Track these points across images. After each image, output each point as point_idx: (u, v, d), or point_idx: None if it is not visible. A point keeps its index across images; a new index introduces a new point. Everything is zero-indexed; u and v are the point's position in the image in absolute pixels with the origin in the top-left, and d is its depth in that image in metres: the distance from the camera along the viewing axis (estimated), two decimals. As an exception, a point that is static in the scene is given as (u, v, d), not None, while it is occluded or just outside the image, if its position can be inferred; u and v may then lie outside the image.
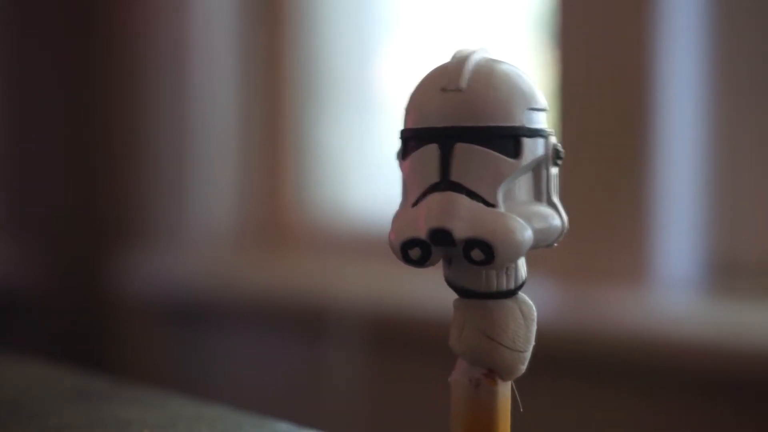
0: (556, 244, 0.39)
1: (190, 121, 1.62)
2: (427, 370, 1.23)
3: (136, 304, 1.64)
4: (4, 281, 1.71)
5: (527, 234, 0.36)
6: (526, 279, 0.38)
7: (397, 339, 1.27)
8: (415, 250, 0.37)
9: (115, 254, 1.68)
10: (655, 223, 1.07)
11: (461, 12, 1.42)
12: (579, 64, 1.13)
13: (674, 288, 1.08)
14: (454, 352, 0.38)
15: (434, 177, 0.37)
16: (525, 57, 1.31)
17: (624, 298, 1.07)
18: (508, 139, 0.37)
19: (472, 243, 0.36)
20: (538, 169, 0.38)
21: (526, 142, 0.37)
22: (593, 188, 1.08)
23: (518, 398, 0.39)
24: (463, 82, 0.37)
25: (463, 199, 0.36)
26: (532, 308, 0.38)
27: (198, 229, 1.62)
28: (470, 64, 0.37)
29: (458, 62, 0.37)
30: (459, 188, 0.36)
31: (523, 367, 0.38)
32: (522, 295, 0.39)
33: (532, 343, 0.38)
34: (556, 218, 0.38)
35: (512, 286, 0.38)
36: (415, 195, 0.37)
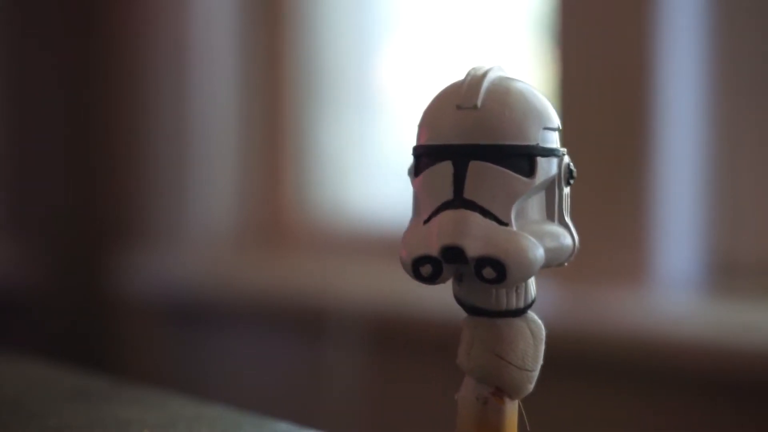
0: (566, 264, 0.39)
1: (190, 121, 1.62)
2: (427, 370, 1.23)
3: (136, 304, 1.64)
4: (4, 281, 1.71)
5: (539, 253, 0.36)
6: (535, 298, 0.38)
7: (397, 339, 1.27)
8: (426, 267, 0.36)
9: (115, 254, 1.68)
10: (655, 223, 1.07)
11: (461, 12, 1.42)
12: (579, 64, 1.13)
13: (674, 288, 1.08)
14: (462, 369, 0.38)
15: (447, 194, 0.36)
16: (525, 57, 1.31)
17: (624, 298, 1.07)
18: (523, 158, 0.37)
19: (484, 261, 0.36)
20: (551, 188, 0.38)
21: (540, 161, 0.37)
22: (593, 188, 1.08)
23: (525, 417, 0.39)
24: (479, 100, 0.37)
25: (476, 217, 0.36)
26: (541, 328, 0.39)
27: (198, 229, 1.62)
28: (486, 82, 0.37)
29: (473, 80, 0.37)
30: (472, 206, 0.36)
31: (531, 386, 0.38)
32: (531, 314, 0.39)
33: (541, 362, 0.39)
34: (568, 237, 0.38)
35: (522, 305, 0.38)
36: (427, 212, 0.37)
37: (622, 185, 1.08)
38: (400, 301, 1.26)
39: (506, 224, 0.36)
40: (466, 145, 0.36)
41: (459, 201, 0.36)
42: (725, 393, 0.98)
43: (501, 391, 0.38)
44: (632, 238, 1.08)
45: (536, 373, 0.38)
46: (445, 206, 0.36)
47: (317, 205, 1.55)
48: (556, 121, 0.38)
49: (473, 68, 0.38)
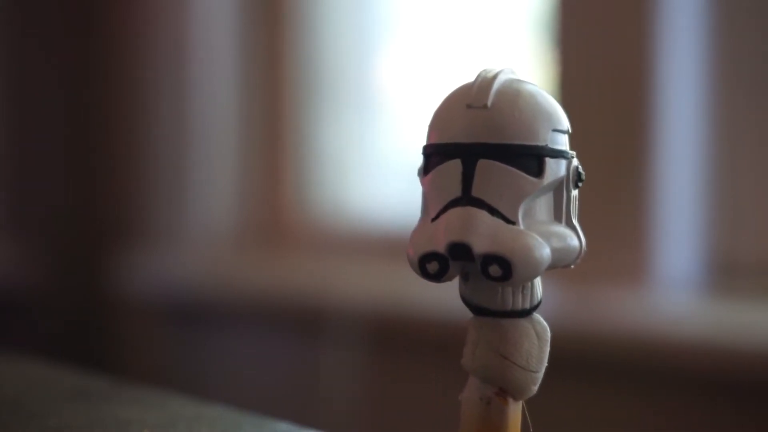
0: (573, 266, 0.39)
1: (190, 121, 1.62)
2: (427, 370, 1.23)
3: (136, 304, 1.64)
4: (4, 281, 1.71)
5: (546, 252, 0.36)
6: (541, 299, 0.39)
7: (397, 339, 1.27)
8: (433, 264, 0.37)
9: (115, 254, 1.68)
10: (655, 223, 1.07)
11: (461, 12, 1.42)
12: (579, 64, 1.13)
13: (674, 288, 1.08)
14: (466, 369, 0.38)
15: (456, 192, 0.37)
16: (525, 57, 1.31)
17: (624, 298, 1.07)
18: (532, 158, 0.37)
19: (490, 258, 0.36)
20: (559, 190, 0.38)
21: (549, 162, 0.37)
22: (593, 188, 1.08)
23: (528, 419, 0.39)
24: (489, 100, 0.37)
25: (484, 215, 0.36)
26: (546, 329, 0.39)
27: (198, 229, 1.62)
28: (496, 83, 0.37)
29: (484, 80, 0.37)
30: (480, 204, 0.36)
31: (535, 388, 0.38)
32: (537, 315, 0.39)
33: (545, 363, 0.39)
34: (575, 239, 0.38)
35: (528, 305, 0.38)
36: (435, 210, 0.37)
37: (622, 185, 1.08)
38: (400, 301, 1.26)
39: (513, 223, 0.36)
40: (476, 143, 0.37)
41: (467, 199, 0.36)
42: (725, 393, 0.98)
43: (505, 391, 0.38)
44: (632, 238, 1.08)
45: (540, 375, 0.38)
46: (453, 204, 0.37)
47: (317, 205, 1.55)
48: (565, 123, 0.38)
49: (484, 69, 0.38)
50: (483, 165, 0.36)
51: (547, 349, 0.39)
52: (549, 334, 0.39)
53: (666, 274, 1.08)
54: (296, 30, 1.57)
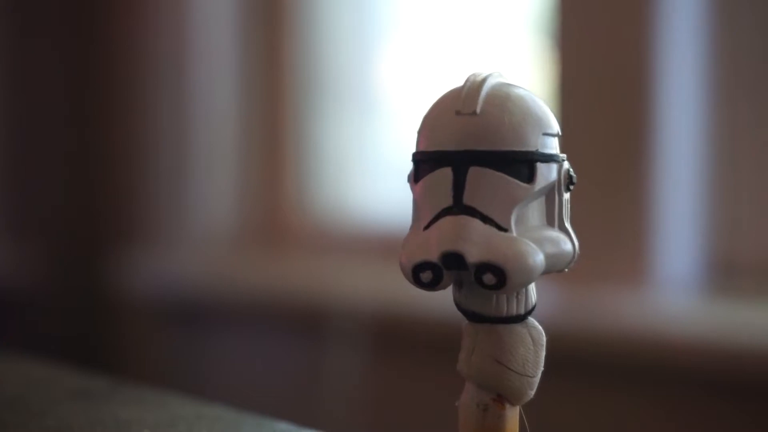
0: (567, 270, 0.39)
1: (190, 122, 1.62)
2: (427, 370, 1.23)
3: (136, 304, 1.64)
4: (4, 281, 1.71)
5: (539, 258, 0.36)
6: (536, 304, 0.38)
7: (397, 339, 1.27)
8: (426, 273, 0.36)
9: (115, 254, 1.68)
10: (655, 223, 1.07)
11: (461, 12, 1.42)
12: (579, 64, 1.13)
13: (674, 288, 1.08)
14: (462, 375, 0.38)
15: (447, 200, 0.36)
16: (524, 58, 1.31)
17: (624, 299, 1.07)
18: (522, 164, 0.37)
19: (484, 267, 0.36)
20: (550, 194, 0.38)
21: (540, 167, 0.37)
22: (593, 189, 1.08)
23: (526, 423, 0.39)
24: (478, 106, 0.37)
25: (476, 223, 0.36)
26: (541, 334, 0.39)
27: (198, 229, 1.62)
28: (485, 88, 0.37)
29: (473, 86, 0.37)
30: (472, 212, 0.36)
31: (532, 393, 0.38)
32: (532, 320, 0.39)
33: (541, 368, 0.39)
34: (568, 243, 0.38)
35: (522, 311, 0.38)
36: (427, 218, 0.37)
37: (622, 186, 1.08)
38: (399, 302, 1.26)
39: (506, 230, 0.36)
40: (466, 151, 0.36)
41: (459, 207, 0.36)
42: (725, 393, 0.98)
43: (502, 397, 0.38)
44: (632, 238, 1.08)
45: (537, 380, 0.38)
46: (445, 212, 0.36)
47: (317, 205, 1.55)
48: (555, 127, 0.38)
49: (472, 74, 0.38)
50: (474, 172, 0.36)
51: (543, 353, 0.39)
52: (545, 339, 0.39)
53: (666, 274, 1.08)
54: (296, 30, 1.57)
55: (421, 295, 1.28)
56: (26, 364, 0.65)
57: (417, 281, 0.37)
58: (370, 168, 1.52)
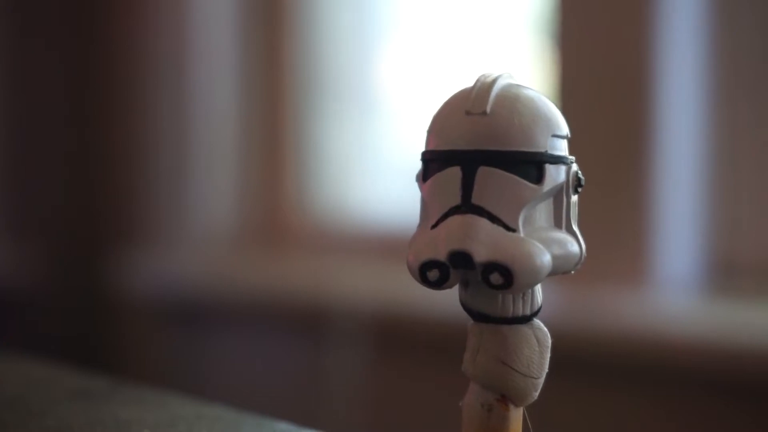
0: (573, 272, 0.39)
1: (190, 122, 1.62)
2: (427, 370, 1.23)
3: (136, 304, 1.64)
4: (4, 281, 1.71)
5: (546, 259, 0.36)
6: (542, 305, 0.38)
7: (397, 339, 1.27)
8: (433, 271, 0.36)
9: (115, 254, 1.68)
10: (655, 223, 1.07)
11: (462, 12, 1.42)
12: (579, 64, 1.13)
13: (674, 288, 1.08)
14: (467, 375, 0.38)
15: (455, 200, 0.36)
16: (525, 57, 1.31)
17: (624, 299, 1.07)
18: (531, 165, 0.37)
19: (491, 267, 0.35)
20: (558, 195, 0.38)
21: (549, 168, 0.37)
22: (593, 189, 1.08)
23: (529, 425, 0.39)
24: (488, 106, 0.37)
25: (484, 223, 0.36)
26: (547, 335, 0.39)
27: (198, 229, 1.62)
28: (495, 89, 0.37)
29: (483, 86, 0.37)
30: (480, 212, 0.36)
31: (536, 394, 0.38)
32: (537, 321, 0.39)
33: (546, 369, 0.39)
34: (575, 245, 0.38)
35: (528, 312, 0.38)
36: (435, 217, 0.37)
37: (622, 186, 1.08)
38: (400, 302, 1.26)
39: (514, 230, 0.36)
40: (475, 150, 0.36)
41: (467, 206, 0.36)
42: (725, 393, 0.98)
43: (506, 398, 0.38)
44: (632, 238, 1.08)
45: (541, 381, 0.38)
46: (453, 211, 0.36)
47: (317, 205, 1.55)
48: (564, 128, 0.38)
49: (482, 75, 0.38)
50: (483, 172, 0.36)
51: (548, 355, 0.39)
52: (550, 340, 0.39)
53: (666, 274, 1.08)
54: (296, 30, 1.57)
55: (422, 296, 1.28)
56: (26, 364, 0.65)
57: (424, 280, 0.37)
58: (370, 168, 1.52)
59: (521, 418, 0.38)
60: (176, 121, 1.63)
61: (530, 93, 0.38)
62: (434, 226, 0.37)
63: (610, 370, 1.05)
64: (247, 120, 1.62)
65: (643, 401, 1.04)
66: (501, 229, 0.36)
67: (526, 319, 0.38)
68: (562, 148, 0.38)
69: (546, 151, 0.37)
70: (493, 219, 0.36)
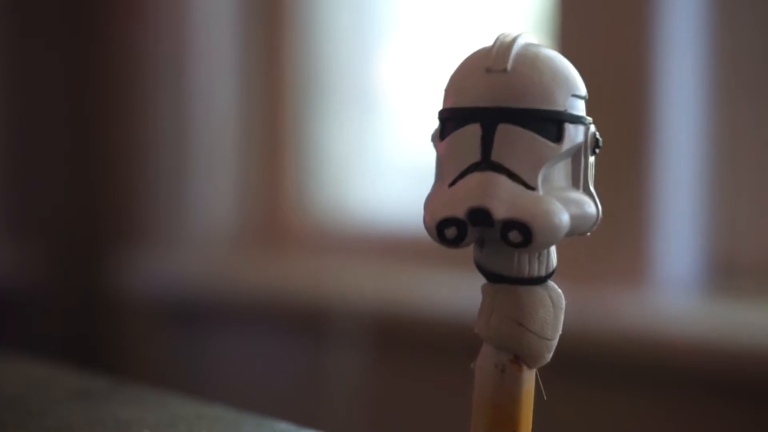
0: (589, 233, 0.38)
1: (190, 122, 1.62)
2: (427, 370, 1.23)
3: (136, 304, 1.64)
4: (4, 281, 1.71)
5: (565, 218, 0.36)
6: (556, 267, 0.38)
7: (397, 339, 1.27)
8: (451, 229, 0.36)
9: (115, 254, 1.68)
10: (655, 223, 1.07)
11: (461, 12, 1.42)
12: (579, 64, 1.12)
13: (674, 288, 1.08)
14: (480, 336, 0.38)
15: (475, 157, 0.36)
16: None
17: (624, 299, 1.07)
18: (551, 123, 0.37)
19: (510, 224, 0.35)
20: (577, 156, 0.38)
21: (569, 127, 0.37)
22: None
23: (542, 387, 0.39)
24: (509, 64, 0.36)
25: (504, 180, 0.36)
26: (561, 296, 0.38)
27: (198, 229, 1.62)
28: (516, 47, 0.37)
29: (503, 44, 0.37)
30: (500, 169, 0.36)
31: (549, 356, 0.38)
32: (551, 282, 0.38)
33: (560, 331, 0.38)
34: (592, 206, 0.38)
35: (543, 273, 0.38)
36: (452, 175, 0.36)
37: (622, 185, 1.08)
38: (400, 301, 1.26)
39: (533, 188, 0.36)
40: (495, 108, 0.36)
41: (486, 164, 0.36)
42: (725, 393, 0.98)
43: (519, 359, 0.38)
44: (632, 238, 1.08)
45: (555, 343, 0.38)
46: (472, 168, 0.36)
47: (317, 205, 1.55)
48: (583, 89, 0.38)
49: (502, 33, 0.38)
50: (503, 129, 0.36)
51: (562, 317, 0.38)
52: (564, 302, 0.38)
53: (666, 274, 1.08)
54: (296, 30, 1.57)
55: (422, 296, 1.28)
56: (26, 364, 0.65)
57: (441, 238, 0.36)
58: (370, 168, 1.52)
59: (533, 381, 0.38)
60: (176, 121, 1.63)
61: (550, 52, 0.38)
62: (452, 184, 0.36)
63: (610, 370, 1.05)
64: (247, 120, 1.62)
65: (643, 401, 1.04)
66: (520, 187, 0.36)
67: (541, 280, 0.38)
68: (581, 109, 0.38)
69: (565, 110, 0.37)
70: (513, 177, 0.36)
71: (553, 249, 0.38)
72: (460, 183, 0.36)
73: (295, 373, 1.43)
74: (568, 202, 0.37)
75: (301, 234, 1.55)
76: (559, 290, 0.38)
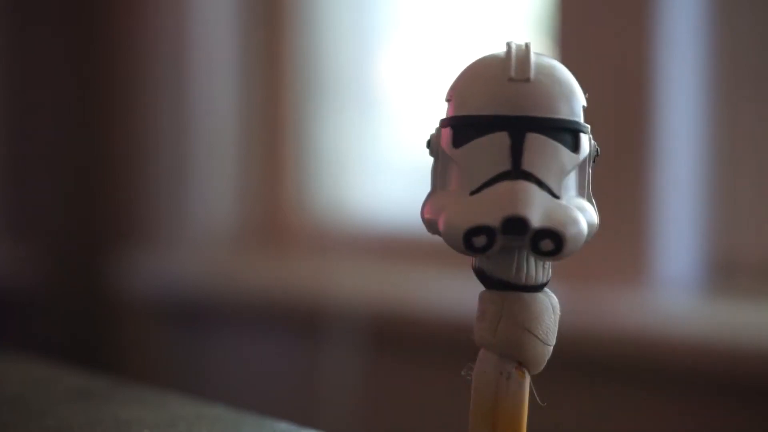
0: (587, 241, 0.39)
1: (190, 121, 1.62)
2: (427, 370, 1.23)
3: (136, 304, 1.64)
4: (4, 281, 1.71)
5: (585, 228, 0.37)
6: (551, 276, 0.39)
7: (397, 339, 1.27)
8: (481, 237, 0.36)
9: (115, 254, 1.68)
10: (655, 223, 1.07)
11: (461, 12, 1.42)
12: (579, 64, 1.12)
13: (674, 288, 1.08)
14: (481, 345, 0.38)
15: (504, 165, 0.36)
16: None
17: (624, 298, 1.07)
18: (570, 133, 0.37)
19: (543, 233, 0.35)
20: (583, 165, 0.39)
21: (583, 137, 0.38)
22: (593, 188, 1.08)
23: (535, 392, 0.39)
24: (531, 73, 0.37)
25: (536, 189, 0.36)
26: (557, 303, 0.39)
27: (198, 229, 1.62)
28: (533, 56, 0.37)
29: (521, 53, 0.37)
30: (529, 178, 0.36)
31: (545, 362, 0.39)
32: (548, 290, 0.39)
33: (524, 342, 0.38)
34: (595, 215, 0.39)
35: (546, 280, 0.38)
36: (476, 182, 0.36)
37: (622, 185, 1.08)
38: (399, 301, 1.26)
39: (558, 197, 0.37)
40: (523, 117, 0.36)
41: (518, 172, 0.36)
42: (725, 393, 0.98)
43: (521, 365, 0.38)
44: (632, 238, 1.08)
45: (551, 349, 0.39)
46: (502, 177, 0.36)
47: (317, 205, 1.55)
48: (585, 99, 0.39)
49: (512, 41, 0.38)
50: (531, 138, 0.36)
51: (525, 323, 0.38)
52: (531, 310, 0.39)
53: (666, 274, 1.08)
54: (296, 30, 1.57)
55: (421, 295, 1.28)
56: (26, 364, 0.65)
57: (468, 246, 0.36)
58: (370, 168, 1.52)
59: (529, 386, 0.39)
60: (176, 121, 1.63)
61: (558, 62, 0.39)
62: (475, 192, 0.36)
63: (609, 370, 1.05)
64: (247, 120, 1.62)
65: (643, 401, 1.03)
66: (549, 196, 0.36)
67: (543, 287, 0.38)
68: (583, 118, 0.39)
69: (580, 120, 0.38)
70: (541, 185, 0.36)
71: None
72: (488, 191, 0.36)
73: (295, 373, 1.43)
74: (583, 211, 0.37)
75: (300, 234, 1.55)
76: (555, 296, 0.39)
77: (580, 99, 0.38)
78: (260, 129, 1.61)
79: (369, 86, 1.54)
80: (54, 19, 1.76)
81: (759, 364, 0.95)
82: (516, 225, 0.35)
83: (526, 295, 0.38)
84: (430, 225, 0.38)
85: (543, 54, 0.39)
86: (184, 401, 0.54)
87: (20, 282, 1.72)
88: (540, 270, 0.38)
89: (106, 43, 1.73)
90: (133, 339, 1.68)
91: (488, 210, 0.36)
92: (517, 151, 0.36)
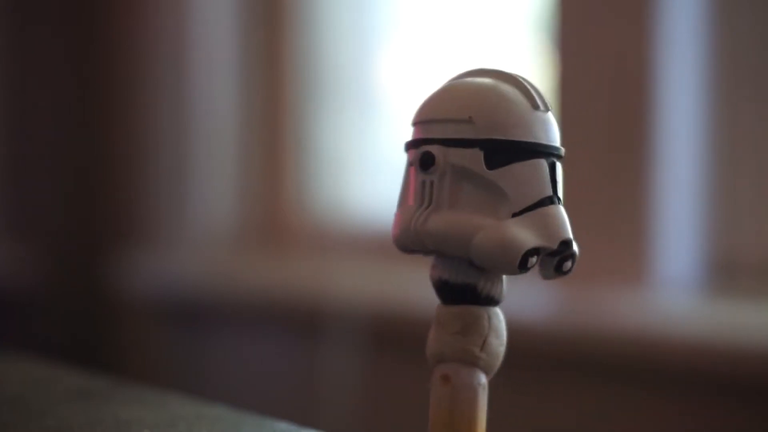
0: None
1: (190, 122, 1.62)
2: (427, 370, 1.23)
3: (136, 304, 1.64)
4: (4, 281, 1.71)
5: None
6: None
7: (397, 339, 1.27)
8: (534, 258, 0.38)
9: (115, 254, 1.68)
10: (654, 222, 1.07)
11: (461, 11, 1.42)
12: (579, 65, 1.13)
13: (674, 288, 1.08)
14: (462, 360, 0.40)
15: (546, 190, 0.38)
16: (525, 57, 1.31)
17: (624, 298, 1.07)
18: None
19: (571, 255, 0.39)
20: None
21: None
22: (593, 188, 1.08)
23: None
24: (549, 104, 0.39)
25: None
26: (501, 321, 0.40)
27: (198, 229, 1.62)
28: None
29: (532, 84, 0.40)
30: (560, 203, 0.39)
31: (491, 373, 0.41)
32: (497, 308, 0.40)
33: (501, 354, 0.41)
34: None
35: (502, 297, 0.40)
36: (518, 204, 0.38)
37: (622, 185, 1.08)
38: (399, 302, 1.26)
39: None
40: (552, 146, 0.39)
41: (557, 198, 0.39)
42: (725, 393, 0.98)
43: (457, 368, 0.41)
44: (632, 238, 1.08)
45: (494, 361, 0.41)
46: (548, 201, 0.38)
47: (317, 205, 1.55)
48: None
49: (514, 72, 0.40)
50: (557, 167, 0.39)
51: (503, 338, 0.40)
52: (504, 325, 0.40)
53: (666, 274, 1.08)
54: (296, 30, 1.57)
55: (420, 295, 1.27)
56: (26, 364, 0.65)
57: (522, 266, 0.38)
58: (369, 167, 1.52)
59: (482, 390, 0.41)
60: (176, 121, 1.63)
61: None
62: (518, 214, 0.38)
63: (609, 370, 1.05)
64: (247, 120, 1.62)
65: (643, 401, 1.04)
66: None
67: (496, 303, 0.40)
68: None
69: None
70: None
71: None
72: (542, 213, 0.38)
73: (295, 373, 1.43)
74: None
75: (300, 234, 1.55)
76: (501, 315, 0.41)
77: None
78: (260, 129, 1.61)
79: (369, 86, 1.54)
80: (54, 19, 1.76)
81: (759, 364, 0.95)
82: (564, 247, 0.38)
83: (498, 310, 0.40)
84: (448, 241, 0.39)
85: None
86: (184, 401, 0.54)
87: (20, 282, 1.72)
88: (502, 287, 0.40)
89: (106, 43, 1.73)
90: (133, 339, 1.68)
91: (547, 234, 0.38)
92: (553, 177, 0.39)
